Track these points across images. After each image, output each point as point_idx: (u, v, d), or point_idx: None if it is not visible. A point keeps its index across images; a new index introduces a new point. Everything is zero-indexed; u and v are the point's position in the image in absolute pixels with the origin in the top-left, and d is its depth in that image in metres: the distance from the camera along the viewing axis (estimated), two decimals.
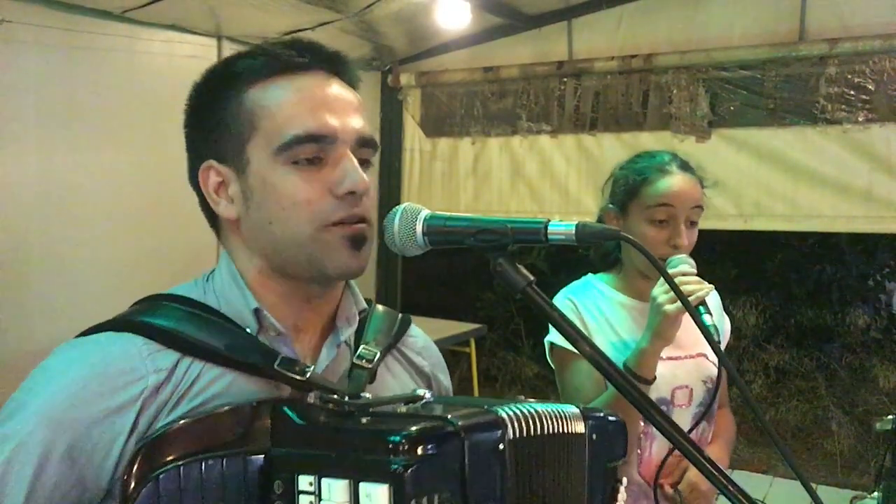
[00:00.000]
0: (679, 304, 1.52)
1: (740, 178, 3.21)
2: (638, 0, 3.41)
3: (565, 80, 3.60)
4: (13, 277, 2.63)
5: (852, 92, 3.01)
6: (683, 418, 1.71)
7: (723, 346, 1.81)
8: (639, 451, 1.70)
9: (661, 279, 1.57)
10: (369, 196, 0.95)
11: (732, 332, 1.91)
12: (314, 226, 0.92)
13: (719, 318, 1.79)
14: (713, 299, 1.67)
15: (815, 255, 6.83)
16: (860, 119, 3.00)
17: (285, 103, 0.93)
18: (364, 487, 0.76)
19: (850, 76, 3.00)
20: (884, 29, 2.91)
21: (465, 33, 3.63)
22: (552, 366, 1.80)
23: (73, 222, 2.78)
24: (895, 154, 2.97)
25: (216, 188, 0.97)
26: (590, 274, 1.87)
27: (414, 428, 0.79)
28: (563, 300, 1.77)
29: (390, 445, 0.77)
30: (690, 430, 1.69)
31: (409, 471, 0.75)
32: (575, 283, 1.85)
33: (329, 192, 0.92)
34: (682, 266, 1.60)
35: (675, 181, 1.69)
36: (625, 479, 1.06)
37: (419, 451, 0.77)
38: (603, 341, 1.71)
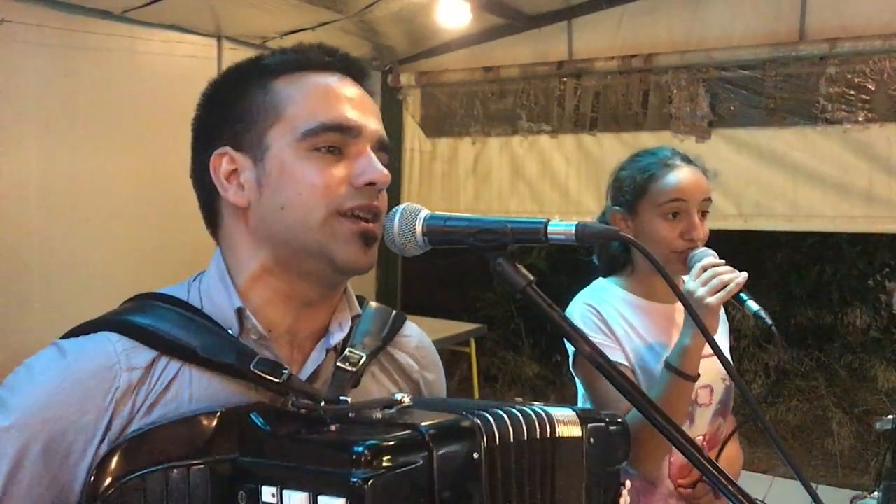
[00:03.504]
0: (721, 293, 1.49)
1: (740, 178, 3.21)
2: (638, 0, 3.41)
3: (565, 80, 3.60)
4: (14, 277, 2.63)
5: (852, 92, 3.01)
6: (706, 417, 1.71)
7: (727, 347, 1.82)
8: (670, 458, 1.67)
9: (692, 272, 1.55)
10: (384, 196, 0.96)
11: (732, 332, 1.90)
12: (328, 210, 0.92)
13: (722, 321, 1.78)
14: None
15: (815, 255, 6.82)
16: (860, 119, 3.00)
17: (313, 94, 0.95)
18: (323, 501, 0.74)
19: (850, 76, 3.00)
20: (884, 29, 2.91)
21: (465, 33, 3.63)
22: (577, 377, 1.72)
23: (73, 222, 2.78)
24: (895, 154, 2.98)
25: (227, 175, 0.96)
26: (601, 278, 1.81)
27: (378, 439, 0.76)
28: (583, 306, 1.69)
29: (353, 457, 0.74)
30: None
31: (369, 484, 0.72)
32: (589, 288, 1.78)
33: (347, 182, 0.93)
34: (708, 258, 1.57)
35: (683, 174, 1.67)
36: (628, 483, 1.03)
37: (383, 462, 0.74)
38: (631, 347, 1.66)
